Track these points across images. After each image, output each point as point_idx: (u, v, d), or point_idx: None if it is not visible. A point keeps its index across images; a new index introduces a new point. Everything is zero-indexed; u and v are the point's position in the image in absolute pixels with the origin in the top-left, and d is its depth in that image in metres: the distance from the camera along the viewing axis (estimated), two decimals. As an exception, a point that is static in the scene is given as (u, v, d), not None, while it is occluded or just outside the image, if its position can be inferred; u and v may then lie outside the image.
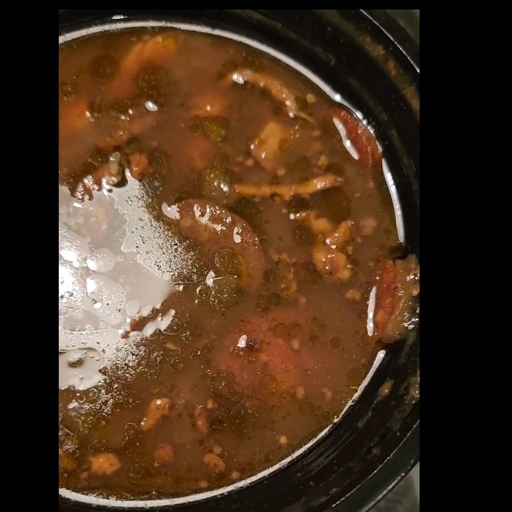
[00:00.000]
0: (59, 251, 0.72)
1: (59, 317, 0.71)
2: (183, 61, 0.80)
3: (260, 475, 0.69)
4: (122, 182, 0.74)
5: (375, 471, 0.61)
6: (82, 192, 0.74)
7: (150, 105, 0.78)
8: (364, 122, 0.78)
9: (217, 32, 0.81)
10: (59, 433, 0.68)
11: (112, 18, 0.80)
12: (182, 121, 0.78)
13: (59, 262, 0.72)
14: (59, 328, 0.70)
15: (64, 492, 0.67)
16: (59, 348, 0.70)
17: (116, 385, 0.69)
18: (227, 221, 0.74)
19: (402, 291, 0.72)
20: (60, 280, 0.71)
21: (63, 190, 0.74)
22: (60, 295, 0.71)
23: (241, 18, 0.79)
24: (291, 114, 0.79)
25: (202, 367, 0.71)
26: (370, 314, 0.74)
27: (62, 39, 0.79)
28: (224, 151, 0.77)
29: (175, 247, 0.73)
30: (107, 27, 0.80)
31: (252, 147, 0.77)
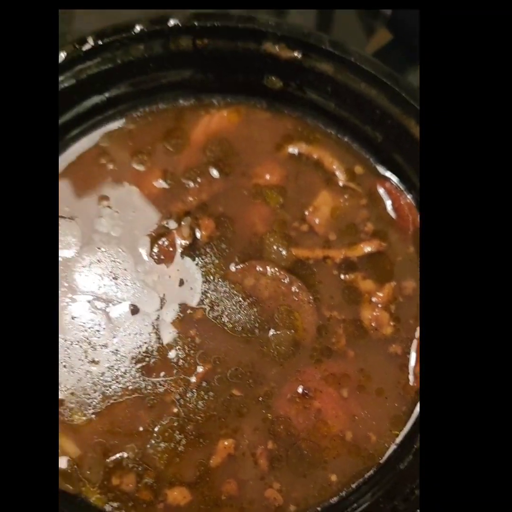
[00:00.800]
0: (137, 304, 0.82)
1: (137, 364, 0.80)
2: (245, 134, 0.90)
3: (314, 509, 0.79)
4: (193, 244, 0.84)
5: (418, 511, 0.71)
6: (158, 253, 0.83)
7: (217, 174, 0.87)
8: (407, 193, 0.88)
9: (276, 107, 0.91)
10: (139, 468, 0.77)
11: (183, 93, 0.90)
12: (245, 188, 0.87)
13: (137, 315, 0.81)
14: (136, 374, 0.80)
15: (144, 522, 0.77)
16: (137, 393, 0.79)
17: (188, 427, 0.79)
18: (285, 281, 0.83)
19: (439, 348, 0.82)
20: (138, 331, 0.81)
21: (141, 251, 0.83)
22: (138, 345, 0.80)
23: (298, 97, 0.89)
24: (341, 184, 0.89)
25: (263, 411, 0.80)
26: (411, 367, 0.83)
27: (138, 113, 0.88)
28: (282, 217, 0.87)
29: (240, 303, 0.83)
30: (179, 102, 0.89)
31: (306, 213, 0.87)
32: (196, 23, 0.83)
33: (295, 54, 0.84)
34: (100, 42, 0.80)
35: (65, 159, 0.87)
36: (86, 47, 0.81)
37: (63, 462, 0.77)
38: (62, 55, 0.79)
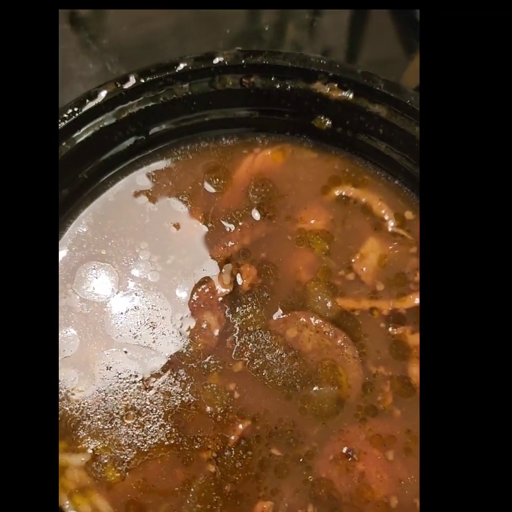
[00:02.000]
0: (175, 355, 0.78)
1: (173, 419, 0.76)
2: (290, 175, 0.86)
3: None
4: (233, 292, 0.80)
5: None
6: (197, 301, 0.80)
7: (259, 217, 0.83)
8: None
9: (323, 147, 0.86)
10: (173, 531, 0.74)
11: (226, 131, 0.86)
12: (289, 233, 0.83)
13: (174, 366, 0.78)
14: (173, 429, 0.76)
15: None
16: (173, 449, 0.76)
17: (225, 487, 0.75)
18: (329, 334, 0.79)
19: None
20: (175, 383, 0.77)
21: (180, 298, 0.80)
22: (174, 398, 0.77)
23: (347, 137, 0.85)
24: (390, 230, 0.84)
25: (304, 473, 0.76)
26: (461, 430, 0.78)
27: (179, 151, 0.85)
28: (327, 264, 0.82)
29: (281, 356, 0.79)
30: (222, 140, 0.86)
31: (353, 261, 0.83)
32: (243, 61, 0.79)
33: (346, 94, 0.80)
34: (142, 81, 0.77)
35: (104, 199, 0.84)
36: (128, 85, 0.77)
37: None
38: (103, 94, 0.76)
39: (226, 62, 0.78)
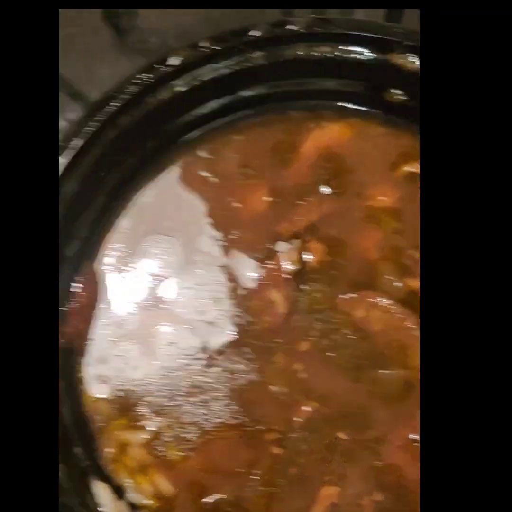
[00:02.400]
0: (238, 332, 0.76)
1: (236, 398, 0.74)
2: (358, 150, 0.83)
3: None
4: (300, 269, 0.77)
5: None
6: (263, 277, 0.77)
7: (328, 193, 0.80)
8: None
9: (393, 122, 0.83)
10: (235, 513, 0.71)
11: (294, 103, 0.83)
12: (358, 210, 0.80)
13: (238, 343, 0.75)
14: (236, 408, 0.74)
15: None
16: (237, 429, 0.73)
17: (289, 470, 0.72)
18: (399, 315, 0.76)
19: None
20: (238, 361, 0.75)
21: (245, 274, 0.77)
22: (238, 377, 0.75)
23: (415, 110, 0.81)
24: (461, 210, 0.80)
25: (371, 458, 0.73)
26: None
27: (246, 123, 0.82)
28: (397, 243, 0.79)
29: (349, 337, 0.76)
30: (289, 112, 0.83)
31: (424, 241, 0.79)
32: (315, 29, 0.76)
33: (423, 66, 0.76)
34: (214, 48, 0.74)
35: (168, 171, 0.81)
36: (198, 52, 0.75)
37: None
38: (173, 61, 0.74)
39: (300, 30, 0.75)
